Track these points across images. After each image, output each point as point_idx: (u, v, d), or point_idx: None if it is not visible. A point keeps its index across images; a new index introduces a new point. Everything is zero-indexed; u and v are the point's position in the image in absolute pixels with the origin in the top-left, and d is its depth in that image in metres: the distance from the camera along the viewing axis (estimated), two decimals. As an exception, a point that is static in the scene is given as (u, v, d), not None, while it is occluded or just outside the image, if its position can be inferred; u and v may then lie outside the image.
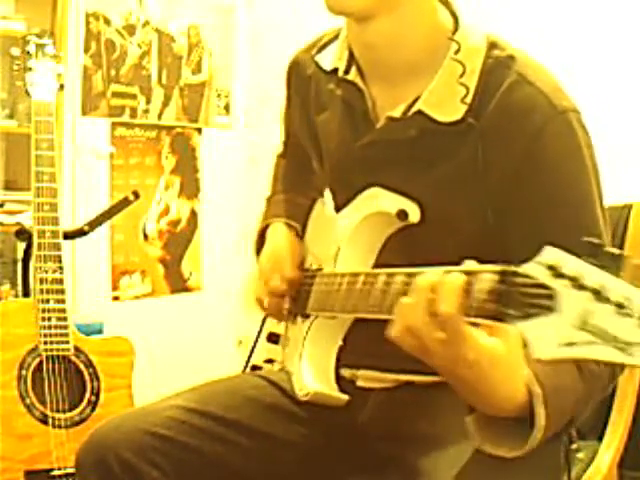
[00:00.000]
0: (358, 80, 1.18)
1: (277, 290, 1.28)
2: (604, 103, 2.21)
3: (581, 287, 0.70)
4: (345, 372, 1.24)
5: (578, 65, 2.28)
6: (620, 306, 0.68)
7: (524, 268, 0.76)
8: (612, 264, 0.70)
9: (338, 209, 1.26)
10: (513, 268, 0.77)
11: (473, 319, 0.82)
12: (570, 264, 0.71)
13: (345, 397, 1.18)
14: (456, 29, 1.11)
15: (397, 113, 1.13)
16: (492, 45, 1.11)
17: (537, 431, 0.86)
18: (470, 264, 0.85)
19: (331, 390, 1.18)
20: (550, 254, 0.73)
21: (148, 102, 3.18)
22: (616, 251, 0.70)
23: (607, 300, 0.68)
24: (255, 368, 1.38)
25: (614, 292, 0.68)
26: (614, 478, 1.48)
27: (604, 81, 2.36)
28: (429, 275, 0.86)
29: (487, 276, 0.81)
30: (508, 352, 0.83)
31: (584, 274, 0.70)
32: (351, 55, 1.19)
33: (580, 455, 1.47)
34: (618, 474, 1.49)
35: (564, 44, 2.40)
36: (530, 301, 0.75)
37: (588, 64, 2.37)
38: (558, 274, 0.72)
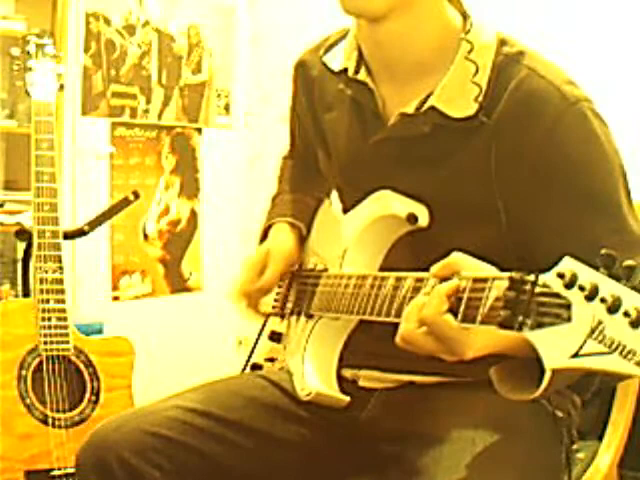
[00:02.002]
0: (368, 80, 1.18)
1: (256, 290, 1.29)
2: (604, 103, 2.21)
3: (595, 298, 0.70)
4: (347, 372, 1.24)
5: (578, 65, 2.28)
6: (635, 319, 0.68)
7: (538, 277, 0.76)
8: (628, 275, 0.70)
9: (346, 210, 1.26)
10: (525, 276, 0.78)
11: (483, 325, 0.82)
12: (585, 274, 0.71)
13: (346, 398, 1.18)
14: (466, 28, 1.12)
15: (410, 109, 1.13)
16: (502, 42, 1.12)
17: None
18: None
19: (333, 391, 1.18)
20: (566, 264, 0.73)
21: (148, 102, 3.17)
22: (632, 263, 0.70)
23: (621, 312, 0.68)
24: (256, 366, 1.37)
25: (628, 304, 0.68)
26: (614, 478, 1.48)
27: (604, 81, 2.36)
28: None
29: (498, 281, 0.81)
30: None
31: (599, 285, 0.70)
32: (360, 55, 1.20)
33: (580, 455, 1.47)
34: (618, 474, 1.49)
35: (564, 44, 2.40)
36: (543, 310, 0.75)
37: (588, 64, 2.36)
38: (573, 284, 0.72)
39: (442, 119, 1.10)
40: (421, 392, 1.17)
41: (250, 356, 1.38)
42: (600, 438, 1.48)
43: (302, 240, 1.35)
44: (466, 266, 0.89)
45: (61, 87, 2.09)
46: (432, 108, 1.10)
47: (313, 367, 1.19)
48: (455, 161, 1.11)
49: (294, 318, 1.31)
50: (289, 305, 1.31)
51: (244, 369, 1.39)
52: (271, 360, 1.36)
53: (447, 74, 1.10)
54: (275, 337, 1.36)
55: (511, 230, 1.09)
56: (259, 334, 1.38)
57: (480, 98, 1.08)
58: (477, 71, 1.09)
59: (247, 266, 1.31)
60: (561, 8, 2.52)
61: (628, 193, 1.06)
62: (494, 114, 1.08)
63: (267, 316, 1.38)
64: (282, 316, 1.34)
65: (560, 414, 1.17)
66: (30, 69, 2.05)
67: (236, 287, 1.31)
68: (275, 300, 1.37)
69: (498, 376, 0.91)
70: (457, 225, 1.11)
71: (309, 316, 1.24)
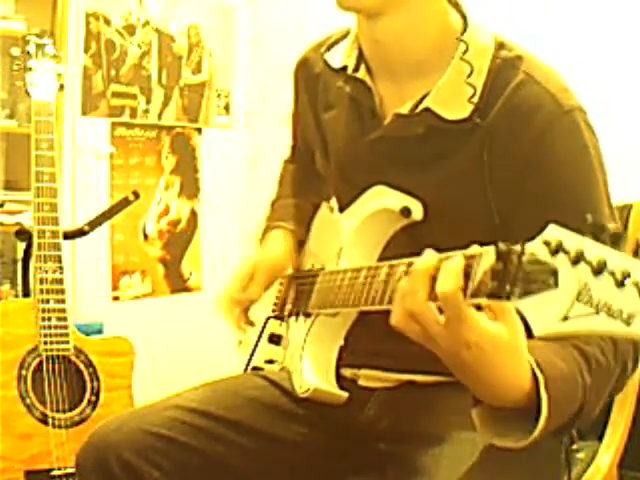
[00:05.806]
0: (367, 78, 1.18)
1: (244, 299, 1.30)
2: (604, 103, 2.21)
3: (581, 261, 0.70)
4: (346, 371, 1.25)
5: (578, 66, 2.28)
6: (620, 278, 0.68)
7: (524, 246, 0.76)
8: (614, 242, 0.70)
9: (342, 209, 1.26)
10: (511, 246, 0.77)
11: (473, 299, 0.81)
12: (571, 240, 0.71)
13: (345, 394, 1.18)
14: (464, 30, 1.12)
15: (405, 110, 1.13)
16: (500, 45, 1.12)
17: (542, 418, 0.85)
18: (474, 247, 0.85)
19: (331, 387, 1.18)
20: (552, 231, 0.73)
21: (148, 102, 3.17)
22: (618, 230, 0.70)
23: (607, 273, 0.68)
24: (256, 369, 1.37)
25: (614, 265, 0.68)
26: (614, 478, 1.48)
27: (604, 82, 2.36)
28: (427, 259, 0.86)
29: (486, 255, 0.81)
30: (511, 337, 0.83)
31: (584, 249, 0.70)
32: (360, 53, 1.20)
33: (580, 455, 1.47)
34: (618, 474, 1.49)
35: (564, 45, 2.40)
36: (530, 278, 0.74)
37: (588, 65, 2.37)
38: (559, 250, 0.72)
39: (436, 121, 1.10)
40: (421, 392, 1.17)
41: (250, 359, 1.38)
42: (600, 438, 1.48)
43: (300, 245, 1.35)
44: None
45: (61, 87, 2.09)
46: (427, 109, 1.10)
47: (311, 364, 1.19)
48: (449, 163, 1.11)
49: (293, 319, 1.31)
50: (288, 307, 1.31)
51: (245, 371, 1.39)
52: (271, 362, 1.36)
53: (444, 75, 1.10)
54: (275, 339, 1.36)
55: (505, 231, 1.08)
56: (259, 336, 1.38)
57: (474, 99, 1.08)
58: (471, 72, 1.09)
59: (236, 276, 1.32)
60: (558, 10, 2.52)
61: (610, 206, 1.06)
62: (488, 117, 1.08)
63: (267, 318, 1.38)
64: (281, 319, 1.34)
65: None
66: (30, 69, 2.05)
67: (225, 296, 1.32)
68: (275, 303, 1.37)
69: (481, 418, 0.89)
70: (452, 226, 1.11)
71: (307, 315, 1.24)
